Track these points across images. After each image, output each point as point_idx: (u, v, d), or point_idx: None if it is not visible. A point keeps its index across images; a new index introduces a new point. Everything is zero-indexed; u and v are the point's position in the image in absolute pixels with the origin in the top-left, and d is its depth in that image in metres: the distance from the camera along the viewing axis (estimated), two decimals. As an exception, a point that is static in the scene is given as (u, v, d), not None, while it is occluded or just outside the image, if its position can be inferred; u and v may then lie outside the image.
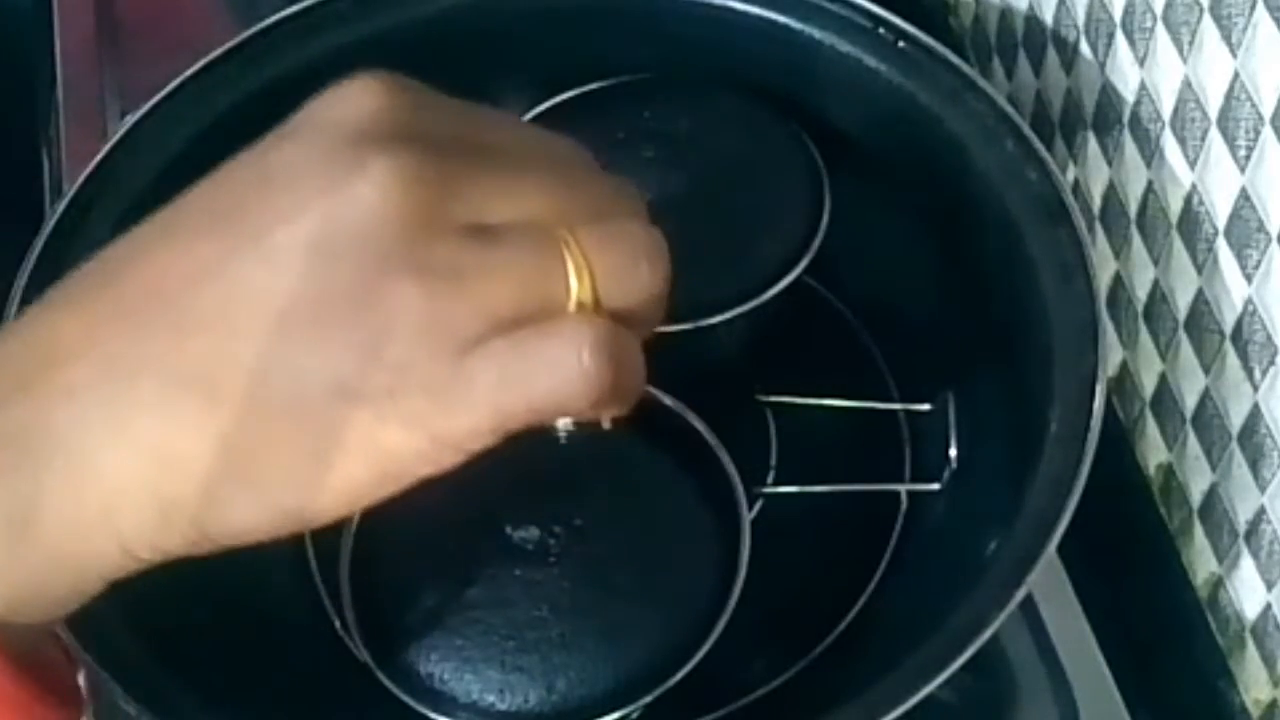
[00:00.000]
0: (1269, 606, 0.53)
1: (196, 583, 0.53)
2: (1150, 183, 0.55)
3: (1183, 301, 0.55)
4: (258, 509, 0.34)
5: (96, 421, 0.33)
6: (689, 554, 0.50)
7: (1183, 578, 0.58)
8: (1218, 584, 0.56)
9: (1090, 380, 0.49)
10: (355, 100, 0.34)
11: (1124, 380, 0.61)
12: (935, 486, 0.55)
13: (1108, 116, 0.58)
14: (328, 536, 0.52)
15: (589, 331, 0.33)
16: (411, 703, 0.47)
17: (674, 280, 0.36)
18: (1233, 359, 0.52)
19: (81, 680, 0.57)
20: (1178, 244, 0.54)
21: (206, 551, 0.35)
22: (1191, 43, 0.50)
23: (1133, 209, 0.57)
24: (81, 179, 0.54)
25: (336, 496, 0.34)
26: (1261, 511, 0.52)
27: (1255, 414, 0.51)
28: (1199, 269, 0.53)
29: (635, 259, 0.35)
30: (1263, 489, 0.52)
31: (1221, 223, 0.51)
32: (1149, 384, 0.59)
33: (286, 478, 0.34)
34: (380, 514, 0.51)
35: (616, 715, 0.47)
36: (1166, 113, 0.53)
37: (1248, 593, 0.54)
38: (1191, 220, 0.53)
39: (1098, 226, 0.60)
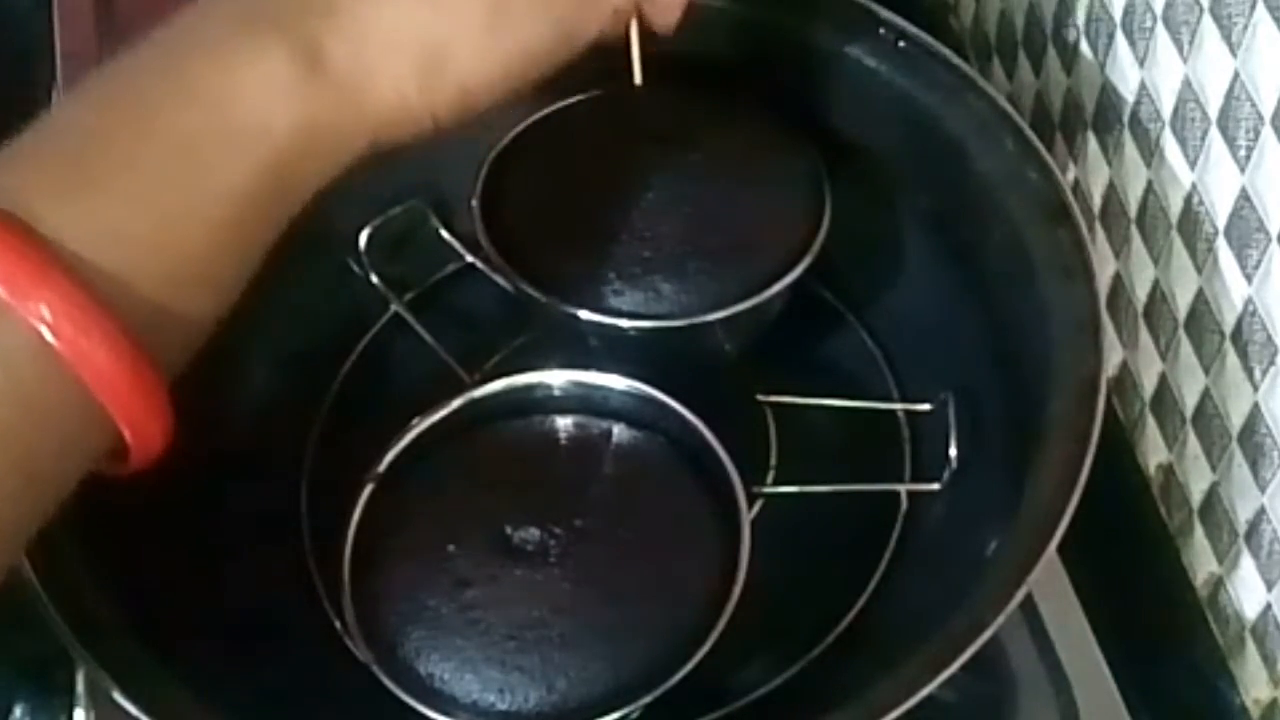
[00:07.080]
0: (1269, 606, 0.53)
1: (196, 582, 0.54)
2: (1150, 183, 0.55)
3: (1183, 301, 0.55)
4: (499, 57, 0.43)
5: None
6: (689, 554, 0.50)
7: (1183, 578, 0.58)
8: (1218, 584, 0.56)
9: (1090, 380, 0.49)
10: None
11: (1124, 380, 0.61)
12: (935, 486, 0.55)
13: (1108, 116, 0.58)
14: (328, 537, 0.52)
15: None
16: (411, 702, 0.47)
17: None
18: (1233, 359, 0.52)
19: (80, 680, 0.57)
20: (1178, 244, 0.54)
21: (464, 111, 0.43)
22: (1191, 43, 0.50)
23: (1133, 209, 0.57)
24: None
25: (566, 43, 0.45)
26: (1261, 511, 0.52)
27: (1255, 414, 0.51)
28: (1199, 269, 0.53)
29: None
30: (1263, 489, 0.52)
31: (1221, 223, 0.51)
32: (1149, 384, 0.59)
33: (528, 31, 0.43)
34: (380, 514, 0.51)
35: (616, 715, 0.47)
36: (1166, 113, 0.53)
37: (1248, 593, 0.54)
38: (1191, 220, 0.53)
39: (1098, 226, 0.60)
